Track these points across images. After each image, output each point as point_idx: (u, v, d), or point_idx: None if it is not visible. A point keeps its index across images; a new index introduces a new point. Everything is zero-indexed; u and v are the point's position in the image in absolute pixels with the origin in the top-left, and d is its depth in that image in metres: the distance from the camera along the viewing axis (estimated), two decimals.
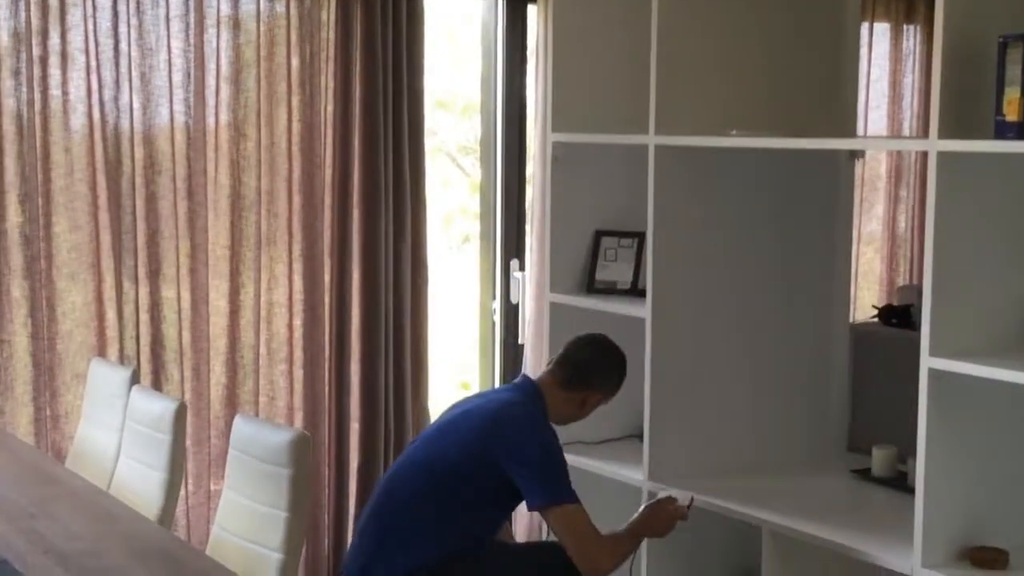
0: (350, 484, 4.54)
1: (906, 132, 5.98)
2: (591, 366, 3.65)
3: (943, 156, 3.11)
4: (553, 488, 3.39)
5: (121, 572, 2.49)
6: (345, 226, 4.46)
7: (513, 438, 3.36)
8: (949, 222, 3.14)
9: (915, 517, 3.22)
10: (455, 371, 5.43)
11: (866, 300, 5.64)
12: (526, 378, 3.68)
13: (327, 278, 4.48)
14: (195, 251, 4.21)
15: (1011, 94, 3.00)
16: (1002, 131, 3.03)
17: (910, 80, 5.92)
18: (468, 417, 3.45)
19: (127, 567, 2.52)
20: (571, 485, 3.45)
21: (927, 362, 3.17)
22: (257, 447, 2.83)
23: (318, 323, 4.44)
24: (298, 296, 4.43)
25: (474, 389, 5.19)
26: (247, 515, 2.83)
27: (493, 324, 5.07)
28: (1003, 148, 3.02)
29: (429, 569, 3.24)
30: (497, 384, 5.06)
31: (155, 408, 3.19)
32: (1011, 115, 3.00)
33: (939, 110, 3.11)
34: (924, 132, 5.70)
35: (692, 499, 3.70)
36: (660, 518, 3.61)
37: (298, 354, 4.44)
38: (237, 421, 2.96)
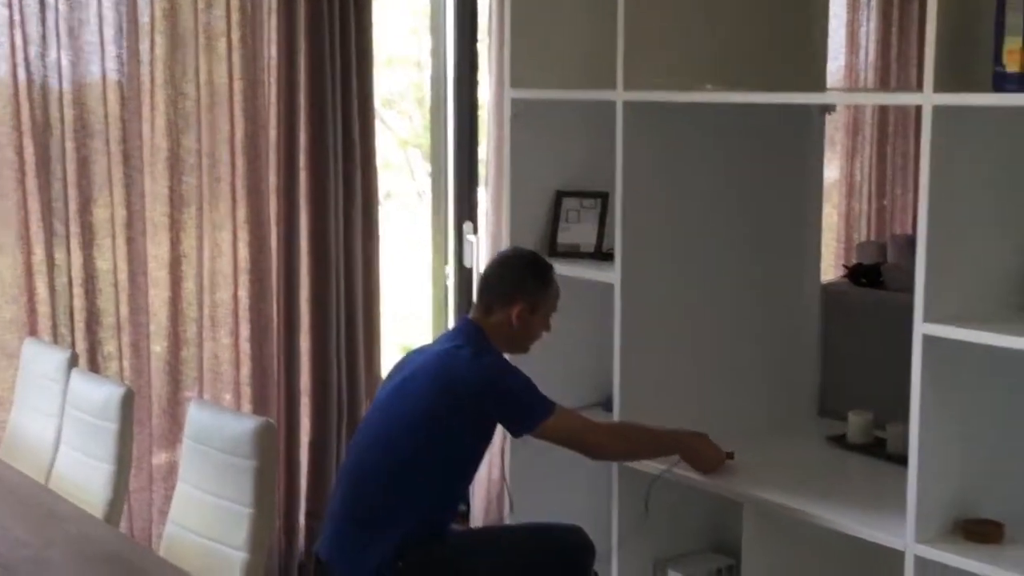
0: (301, 461, 4.32)
1: (862, 84, 5.82)
2: (501, 280, 3.55)
3: (939, 111, 2.94)
4: (533, 409, 3.40)
5: None
6: (292, 190, 4.21)
7: (472, 380, 3.31)
8: (944, 181, 2.97)
9: (908, 490, 3.08)
10: (408, 339, 5.21)
11: (826, 258, 5.50)
12: (463, 319, 3.61)
13: (274, 245, 4.23)
14: (132, 219, 3.93)
15: (1011, 43, 2.84)
16: (1001, 83, 2.86)
17: (865, 30, 5.75)
18: (415, 379, 3.35)
19: None
20: (543, 394, 3.45)
21: (921, 328, 3.02)
22: (216, 437, 2.60)
23: (265, 293, 4.19)
24: (243, 265, 4.18)
25: None
26: (207, 511, 2.60)
27: (446, 290, 4.85)
28: (1003, 101, 2.86)
29: (417, 540, 3.18)
30: None
31: (98, 394, 2.93)
32: (1011, 65, 2.84)
33: (934, 61, 2.93)
34: (882, 84, 5.62)
35: (732, 454, 3.63)
36: (708, 449, 3.56)
37: (244, 326, 4.19)
38: (192, 409, 2.72)
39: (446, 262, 4.82)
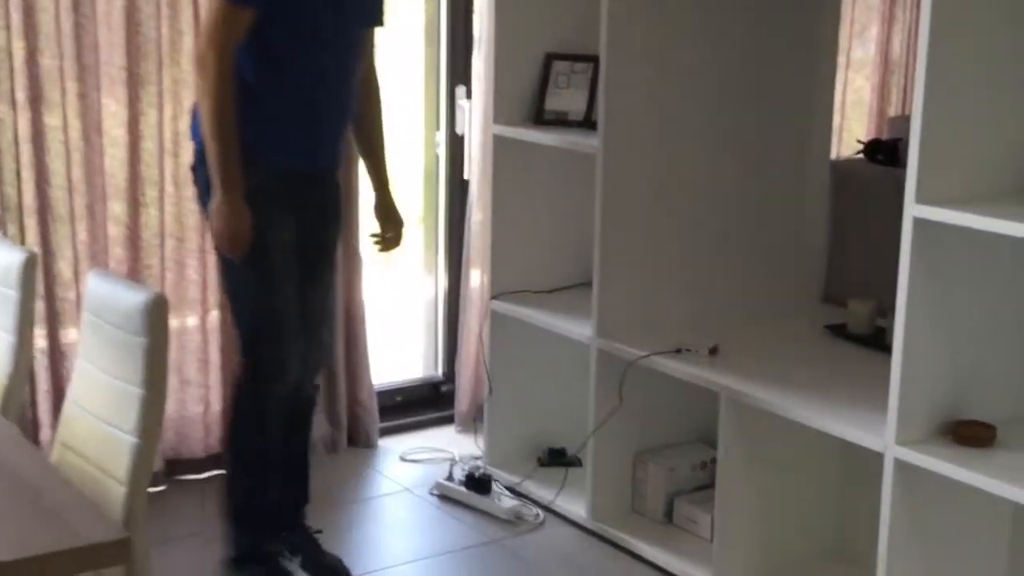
0: None
1: None
2: None
3: None
4: None
5: None
6: None
7: None
8: (945, 48, 2.63)
9: (890, 385, 2.80)
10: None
11: (855, 134, 5.12)
12: None
13: None
14: (84, 72, 3.66)
15: None
16: None
17: None
18: None
19: None
20: None
21: (912, 209, 2.71)
22: (110, 310, 2.37)
23: None
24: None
25: (416, 230, 4.72)
26: (101, 390, 2.38)
27: (437, 157, 4.56)
28: None
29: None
30: (442, 231, 4.59)
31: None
32: None
33: None
34: None
35: (716, 348, 3.42)
36: (231, 218, 3.06)
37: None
38: (91, 278, 2.48)
39: (437, 128, 4.53)
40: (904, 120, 4.96)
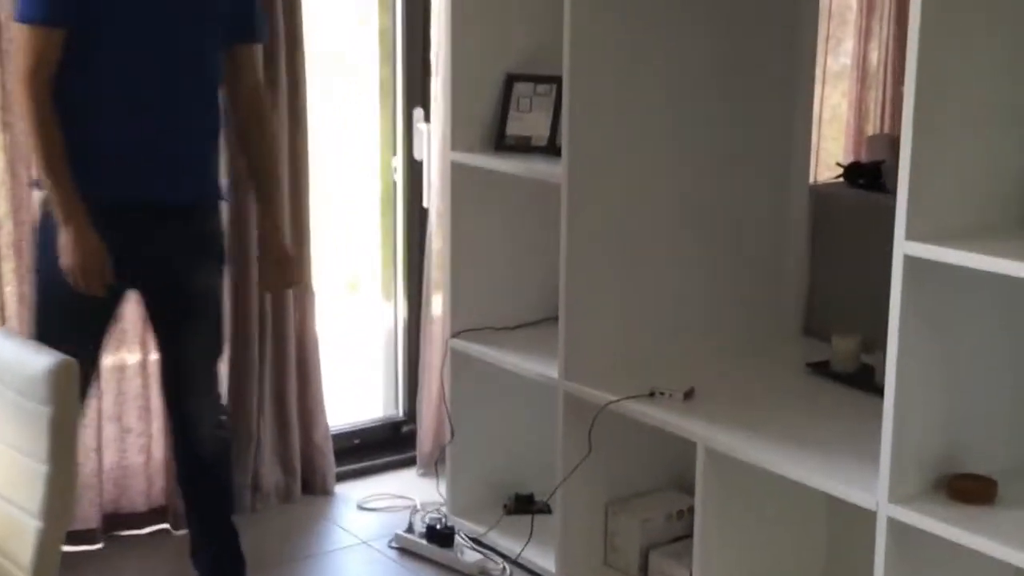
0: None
1: None
2: None
3: None
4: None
5: None
6: None
7: None
8: (934, 73, 2.40)
9: (882, 437, 2.56)
10: (349, 242, 4.70)
11: (832, 154, 4.91)
12: None
13: None
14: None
15: None
16: None
17: None
18: None
19: None
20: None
21: (903, 247, 2.48)
22: (13, 374, 2.12)
23: None
24: None
25: (373, 264, 4.47)
26: (3, 465, 2.13)
27: (394, 184, 4.32)
28: None
29: None
30: (400, 261, 4.33)
31: None
32: None
33: None
34: None
35: (692, 390, 3.18)
36: (78, 246, 2.84)
37: None
38: None
39: (394, 153, 4.28)
40: (883, 139, 4.76)
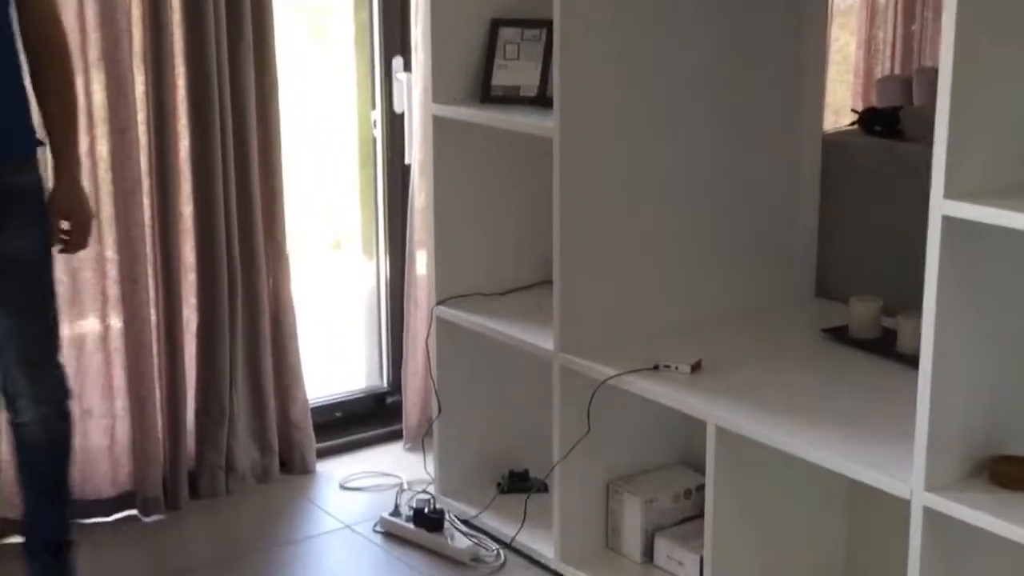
0: (185, 352, 3.56)
1: None
2: None
3: None
4: None
5: None
6: (157, 19, 3.35)
7: None
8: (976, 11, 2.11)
9: (917, 418, 2.30)
10: (329, 200, 4.40)
11: (839, 97, 4.61)
12: None
13: (139, 89, 3.40)
14: None
15: None
16: None
17: None
18: None
19: None
20: None
21: (941, 207, 2.20)
22: None
23: (129, 148, 3.37)
24: (100, 114, 3.36)
25: (354, 224, 4.19)
26: None
27: (374, 140, 4.02)
28: None
29: None
30: (382, 223, 4.04)
31: None
32: None
33: None
34: None
35: (699, 363, 2.92)
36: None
37: (105, 192, 3.40)
38: None
39: (373, 106, 3.98)
40: (895, 82, 4.47)
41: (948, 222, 2.20)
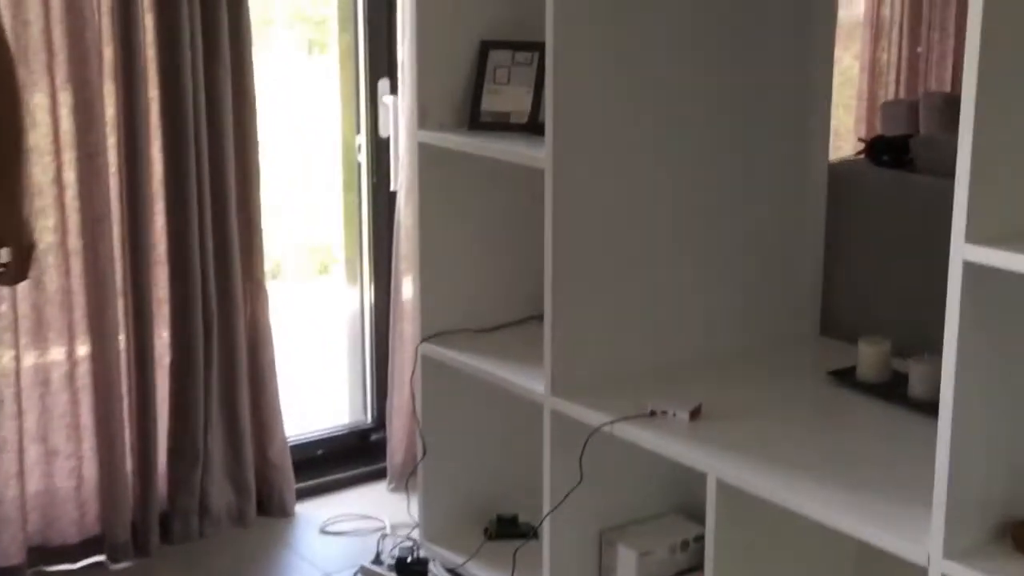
0: (157, 388, 3.39)
1: None
2: None
3: None
4: None
5: None
6: (130, 39, 3.18)
7: None
8: (1001, 43, 1.95)
9: (936, 477, 2.13)
10: (312, 229, 4.24)
11: (842, 121, 4.47)
12: None
13: (109, 111, 3.23)
14: None
15: None
16: None
17: None
18: None
19: None
20: None
21: (962, 251, 2.03)
22: None
23: (98, 175, 3.20)
24: (67, 139, 3.19)
25: (336, 253, 4.02)
26: None
27: (358, 165, 3.85)
28: None
29: None
30: (366, 251, 3.88)
31: None
32: None
33: None
34: None
35: (700, 408, 2.75)
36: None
37: (73, 219, 3.23)
38: None
39: (358, 131, 3.81)
40: (900, 107, 4.32)
41: (969, 267, 2.03)
